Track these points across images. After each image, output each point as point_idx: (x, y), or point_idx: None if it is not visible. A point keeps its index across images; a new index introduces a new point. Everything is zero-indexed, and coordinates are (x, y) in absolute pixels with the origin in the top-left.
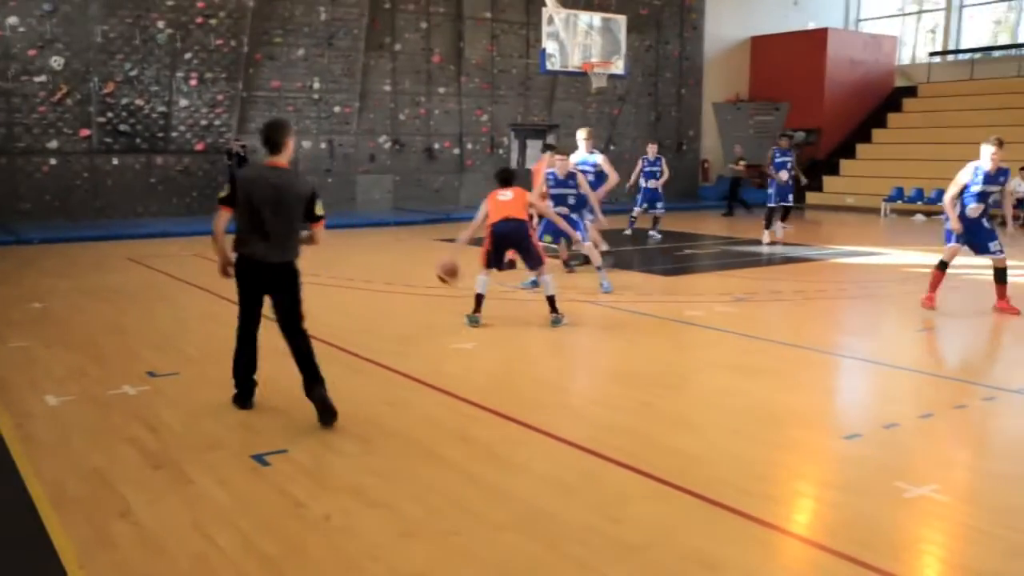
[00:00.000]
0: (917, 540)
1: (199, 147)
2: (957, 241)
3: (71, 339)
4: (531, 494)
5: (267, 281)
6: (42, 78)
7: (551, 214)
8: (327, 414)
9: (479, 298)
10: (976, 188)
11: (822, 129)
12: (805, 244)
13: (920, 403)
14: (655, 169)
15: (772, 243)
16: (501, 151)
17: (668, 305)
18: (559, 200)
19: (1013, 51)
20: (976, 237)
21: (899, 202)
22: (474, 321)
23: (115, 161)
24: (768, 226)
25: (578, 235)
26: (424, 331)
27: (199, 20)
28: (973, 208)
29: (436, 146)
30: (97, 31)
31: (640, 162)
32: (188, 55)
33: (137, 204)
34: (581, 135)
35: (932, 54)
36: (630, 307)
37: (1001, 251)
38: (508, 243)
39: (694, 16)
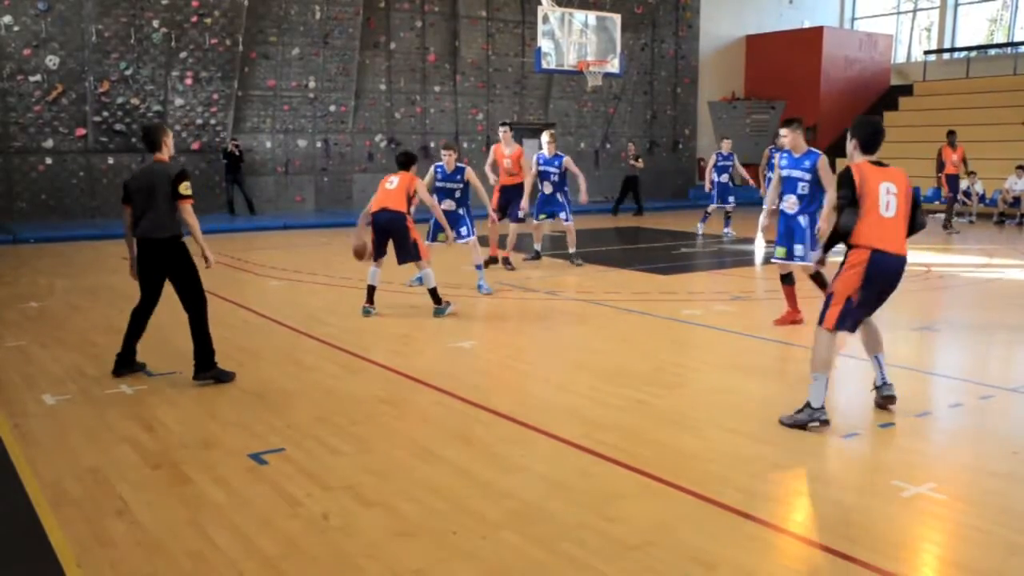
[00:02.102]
0: (914, 539)
1: (195, 146)
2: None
3: (68, 338)
4: (528, 493)
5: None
6: (37, 77)
7: (435, 207)
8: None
9: (370, 289)
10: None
11: (818, 127)
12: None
13: (917, 402)
14: (728, 164)
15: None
16: None
17: (665, 304)
18: (445, 194)
19: (1008, 50)
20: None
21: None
22: (367, 312)
23: (111, 160)
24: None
25: (452, 233)
26: (422, 330)
27: (194, 19)
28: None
29: (432, 145)
30: (92, 30)
31: (713, 157)
32: (183, 54)
33: None
34: (544, 138)
35: (927, 52)
36: (627, 306)
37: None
38: (387, 235)
39: (689, 15)
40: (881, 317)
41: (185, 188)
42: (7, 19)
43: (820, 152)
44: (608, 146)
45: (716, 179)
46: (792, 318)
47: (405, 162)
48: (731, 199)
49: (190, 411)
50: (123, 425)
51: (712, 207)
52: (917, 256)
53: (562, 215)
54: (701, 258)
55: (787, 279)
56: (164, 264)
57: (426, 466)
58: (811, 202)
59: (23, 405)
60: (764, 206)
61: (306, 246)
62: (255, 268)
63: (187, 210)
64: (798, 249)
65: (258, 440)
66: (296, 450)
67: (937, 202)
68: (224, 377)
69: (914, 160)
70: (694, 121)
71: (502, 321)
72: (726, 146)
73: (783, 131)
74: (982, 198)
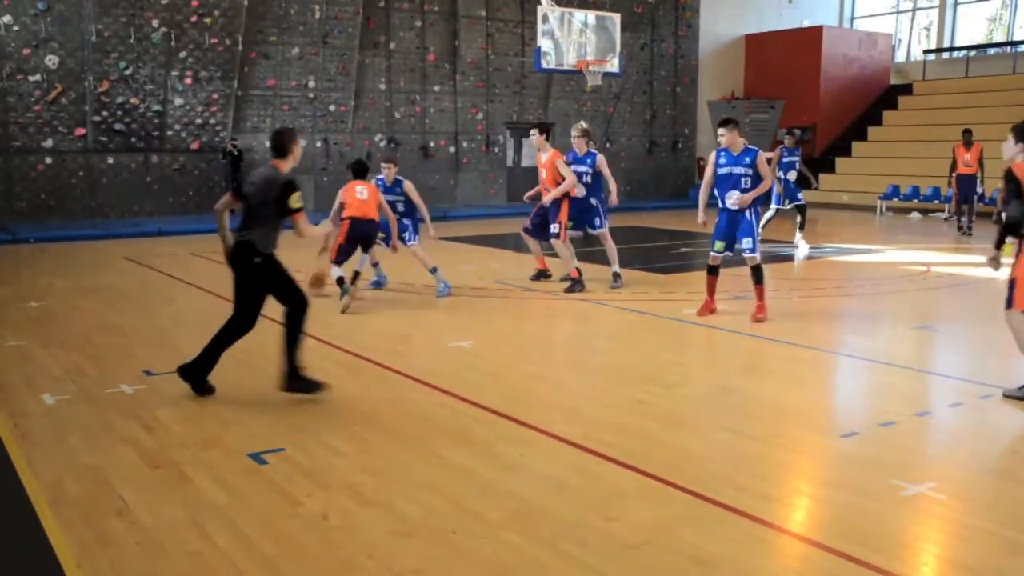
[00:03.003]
0: (914, 538)
1: (194, 146)
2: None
3: (68, 338)
4: (527, 492)
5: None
6: (37, 77)
7: (390, 215)
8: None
9: (340, 280)
10: (723, 171)
11: (817, 127)
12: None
13: (917, 401)
14: (794, 159)
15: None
16: (496, 149)
17: (665, 303)
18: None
19: (1008, 49)
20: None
21: (895, 200)
22: (346, 292)
23: (110, 160)
24: (802, 228)
25: (399, 243)
26: (421, 330)
27: (193, 19)
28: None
29: (431, 144)
30: (92, 30)
31: (779, 151)
32: (183, 54)
33: (133, 203)
34: (574, 132)
35: (927, 52)
36: (627, 305)
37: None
38: (360, 242)
39: (689, 14)
40: (882, 316)
41: (296, 200)
42: (7, 19)
43: (758, 148)
44: (608, 145)
45: (783, 177)
46: (710, 308)
47: (362, 171)
48: (800, 197)
49: (190, 411)
50: (123, 425)
51: (775, 208)
52: (916, 256)
53: (596, 221)
54: (700, 257)
55: (714, 271)
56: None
57: (426, 466)
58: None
59: (23, 405)
60: (699, 203)
61: (305, 245)
62: None
63: (300, 222)
64: (745, 242)
65: (258, 440)
66: (296, 450)
67: (939, 201)
68: (312, 388)
69: (913, 159)
70: (693, 120)
71: (502, 321)
72: (791, 140)
73: (721, 131)
74: (981, 197)
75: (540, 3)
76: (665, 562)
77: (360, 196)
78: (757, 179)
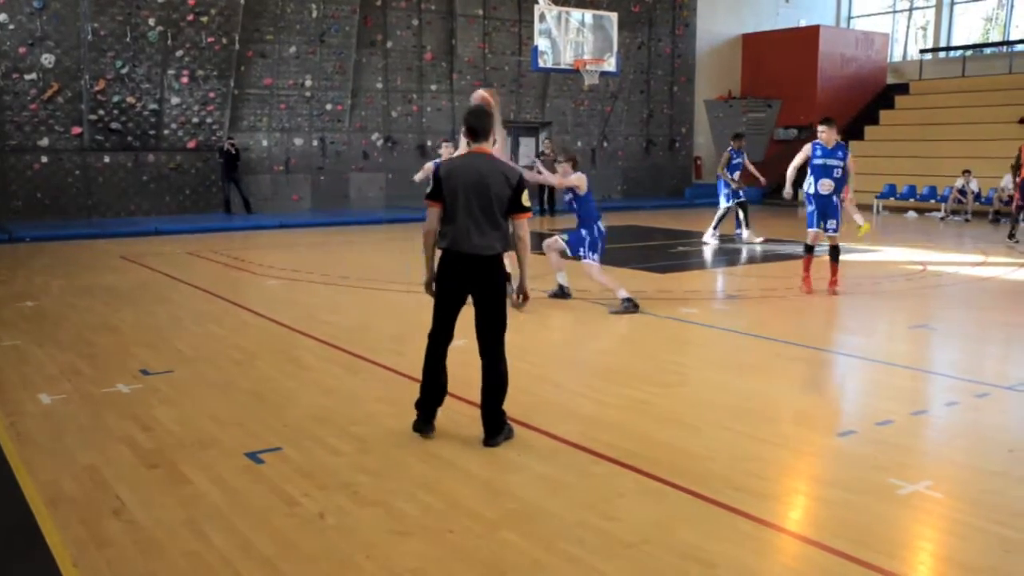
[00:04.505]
0: (911, 536)
1: (191, 145)
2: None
3: (64, 337)
4: (525, 491)
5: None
6: (33, 76)
7: None
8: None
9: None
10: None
11: (814, 126)
12: (799, 241)
13: (913, 400)
14: (742, 160)
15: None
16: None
17: (663, 303)
18: None
19: (1004, 48)
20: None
21: (892, 199)
22: None
23: (107, 159)
24: (747, 225)
25: None
26: (419, 329)
27: (190, 17)
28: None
29: (429, 143)
30: (88, 28)
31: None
32: (179, 52)
33: (129, 202)
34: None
35: (923, 51)
36: None
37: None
38: None
39: (686, 14)
40: (878, 315)
41: (527, 199)
42: (2, 17)
43: (847, 145)
44: (605, 145)
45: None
46: (808, 285)
47: None
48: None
49: (187, 410)
50: (120, 424)
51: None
52: (914, 255)
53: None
54: (698, 257)
55: (810, 250)
56: (479, 284)
57: (423, 465)
58: (842, 185)
59: (19, 404)
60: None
61: (303, 245)
62: (252, 267)
63: (524, 225)
64: (831, 223)
65: (255, 440)
66: (294, 450)
67: (935, 201)
68: (509, 434)
69: (910, 159)
70: (691, 120)
71: None
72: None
73: (821, 127)
74: (977, 196)
75: (537, 2)
76: (663, 561)
77: None
78: (844, 171)
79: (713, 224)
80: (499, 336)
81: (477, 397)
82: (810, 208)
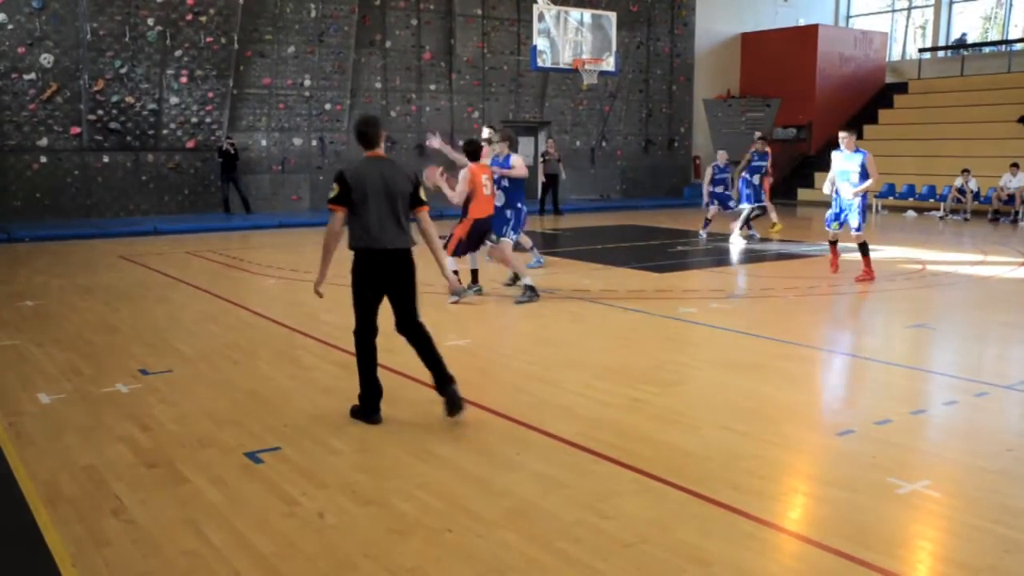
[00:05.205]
0: (910, 536)
1: (190, 144)
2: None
3: (63, 337)
4: (524, 491)
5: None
6: (32, 76)
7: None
8: (454, 407)
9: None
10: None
11: (813, 125)
12: (797, 241)
13: (913, 399)
14: (725, 175)
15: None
16: None
17: (662, 302)
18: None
19: (1003, 47)
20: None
21: (890, 198)
22: (478, 291)
23: (106, 159)
24: (747, 225)
25: None
26: None
27: (189, 17)
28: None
29: (428, 143)
30: (87, 28)
31: (711, 169)
32: (178, 52)
33: (128, 202)
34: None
35: (922, 50)
36: (624, 304)
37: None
38: (484, 235)
39: (684, 13)
40: (877, 314)
41: (424, 193)
42: (1, 17)
43: (866, 151)
44: (604, 144)
45: (713, 190)
46: (835, 266)
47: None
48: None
49: (186, 410)
50: (119, 424)
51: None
52: (913, 254)
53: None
54: (696, 256)
55: (835, 243)
56: (400, 275)
57: (422, 464)
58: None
59: (18, 404)
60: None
61: (302, 245)
62: (251, 267)
63: (427, 217)
64: (853, 221)
65: (254, 439)
66: (292, 449)
67: (934, 200)
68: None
69: (909, 158)
70: (690, 119)
71: (498, 319)
72: (723, 158)
73: (843, 134)
74: (976, 196)
75: (536, 1)
76: (661, 560)
77: (486, 192)
78: (862, 176)
79: (739, 225)
80: (416, 314)
81: (478, 397)
82: (833, 209)
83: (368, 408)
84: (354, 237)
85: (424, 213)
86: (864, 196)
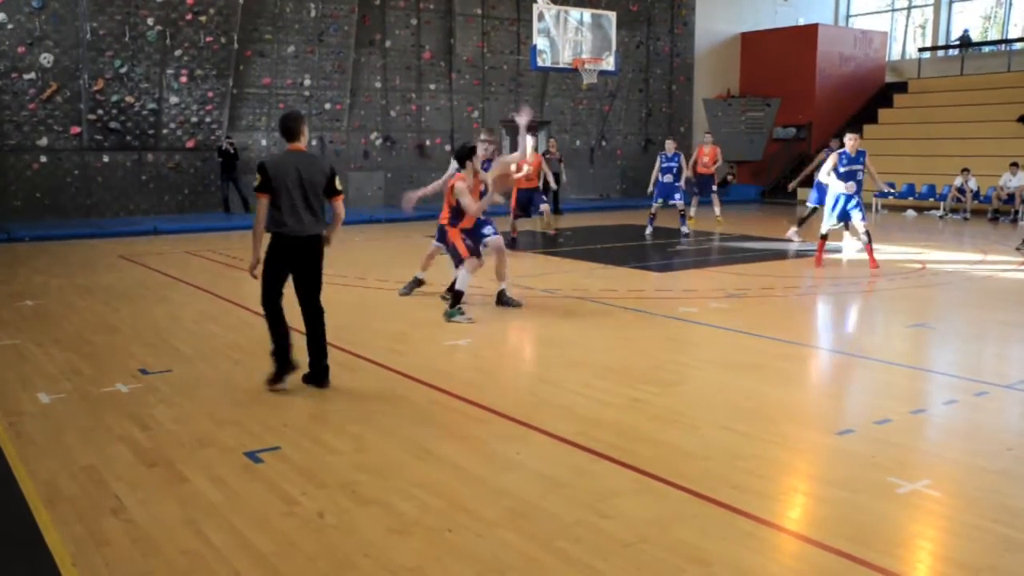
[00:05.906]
0: (910, 535)
1: (190, 144)
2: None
3: (63, 337)
4: (523, 490)
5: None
6: (31, 75)
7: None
8: (319, 381)
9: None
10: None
11: (813, 125)
12: (796, 240)
13: (912, 398)
14: (673, 164)
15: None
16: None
17: (661, 301)
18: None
19: (1002, 46)
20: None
21: (890, 197)
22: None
23: (105, 158)
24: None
25: None
26: (417, 328)
27: (188, 17)
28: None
29: (428, 143)
30: (87, 28)
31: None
32: (178, 52)
33: (128, 201)
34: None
35: (922, 50)
36: (623, 303)
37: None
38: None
39: (684, 12)
40: (877, 314)
41: (339, 183)
42: (1, 16)
43: (866, 150)
44: (604, 144)
45: (661, 179)
46: (819, 262)
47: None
48: (677, 196)
49: (186, 409)
50: (118, 424)
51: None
52: (913, 253)
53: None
54: (696, 256)
55: (825, 237)
56: (309, 258)
57: (422, 464)
58: (862, 186)
59: (18, 404)
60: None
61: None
62: None
63: (340, 204)
64: (855, 215)
65: (254, 438)
66: (292, 448)
67: (934, 199)
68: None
69: (908, 157)
70: (689, 118)
71: (498, 319)
72: (670, 147)
73: (849, 136)
74: (976, 195)
75: (536, 1)
76: (660, 560)
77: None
78: (865, 173)
79: (797, 223)
80: (318, 296)
81: (477, 397)
82: (833, 205)
83: (281, 362)
84: (271, 222)
85: (338, 201)
86: (860, 194)
